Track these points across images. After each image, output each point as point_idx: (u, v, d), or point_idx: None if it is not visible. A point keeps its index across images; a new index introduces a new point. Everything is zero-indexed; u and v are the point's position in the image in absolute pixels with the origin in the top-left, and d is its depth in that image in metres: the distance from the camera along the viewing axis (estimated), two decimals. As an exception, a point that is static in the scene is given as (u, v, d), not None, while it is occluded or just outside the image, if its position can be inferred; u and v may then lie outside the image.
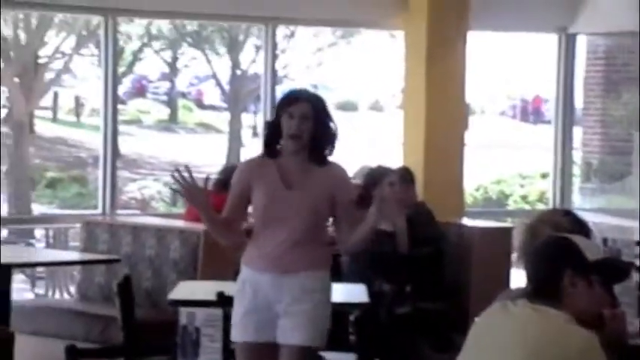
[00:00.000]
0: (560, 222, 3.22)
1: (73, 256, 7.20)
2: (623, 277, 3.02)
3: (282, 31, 18.27)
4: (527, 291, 2.97)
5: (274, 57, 7.95)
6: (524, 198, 12.40)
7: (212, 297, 4.93)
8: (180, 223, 6.77)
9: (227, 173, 6.99)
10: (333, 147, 4.25)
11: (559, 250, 2.97)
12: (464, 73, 7.90)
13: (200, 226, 6.46)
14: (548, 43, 8.76)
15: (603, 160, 10.36)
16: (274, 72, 7.99)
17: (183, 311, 3.53)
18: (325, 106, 4.26)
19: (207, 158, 19.04)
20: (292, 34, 19.24)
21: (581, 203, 10.95)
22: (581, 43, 10.18)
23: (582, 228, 3.21)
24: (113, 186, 7.48)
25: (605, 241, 5.76)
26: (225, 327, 4.86)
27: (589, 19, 8.12)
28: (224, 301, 4.96)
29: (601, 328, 2.90)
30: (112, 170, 7.43)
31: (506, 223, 8.39)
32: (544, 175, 12.15)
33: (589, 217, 9.79)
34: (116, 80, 7.65)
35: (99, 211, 7.48)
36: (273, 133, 4.19)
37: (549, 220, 3.24)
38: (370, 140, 21.24)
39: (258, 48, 17.45)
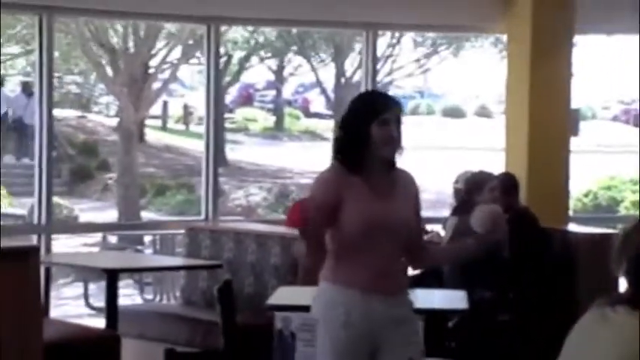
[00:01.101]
0: None
1: (176, 261, 7.32)
2: None
3: (386, 39, 18.27)
4: (628, 297, 2.89)
5: (375, 63, 7.93)
6: (635, 204, 12.07)
7: (310, 302, 4.95)
8: (281, 229, 6.82)
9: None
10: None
11: (663, 256, 2.88)
12: (569, 78, 7.74)
13: (300, 232, 6.50)
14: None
15: None
16: (374, 78, 7.98)
17: (279, 316, 3.51)
18: None
19: (312, 166, 19.17)
20: (398, 41, 19.21)
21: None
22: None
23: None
24: (216, 192, 7.59)
25: None
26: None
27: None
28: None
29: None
30: (214, 177, 7.53)
31: (614, 230, 8.19)
32: (656, 182, 11.85)
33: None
34: (219, 88, 7.75)
35: (202, 217, 7.59)
36: (358, 143, 3.77)
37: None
38: (477, 146, 21.05)
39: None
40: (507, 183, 6.88)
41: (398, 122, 3.81)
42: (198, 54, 16.68)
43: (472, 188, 6.53)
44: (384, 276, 3.77)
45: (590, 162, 19.90)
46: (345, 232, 3.75)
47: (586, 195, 13.45)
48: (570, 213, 12.07)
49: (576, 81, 7.85)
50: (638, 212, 11.18)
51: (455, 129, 25.36)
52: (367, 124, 3.76)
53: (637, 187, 12.27)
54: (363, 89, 7.98)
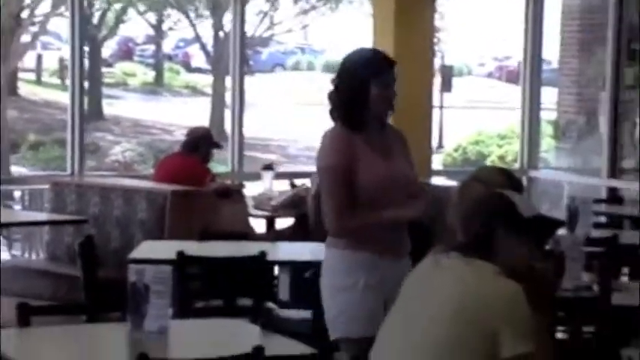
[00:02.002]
0: (493, 180, 3.26)
1: (40, 217, 7.25)
2: (553, 233, 3.10)
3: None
4: (461, 245, 3.04)
5: (242, 19, 7.93)
6: (501, 158, 12.49)
7: (173, 256, 5.00)
8: (148, 184, 6.82)
9: (195, 134, 7.05)
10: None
11: (494, 206, 3.03)
12: (432, 35, 7.92)
13: (168, 187, 6.53)
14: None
15: (577, 120, 10.42)
16: (243, 34, 8.00)
17: (133, 268, 3.58)
18: None
19: (192, 121, 19.09)
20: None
21: (556, 162, 11.02)
22: (556, 4, 10.20)
23: (516, 186, 3.25)
24: (82, 147, 7.52)
25: (572, 199, 5.88)
26: (183, 284, 4.95)
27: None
28: (183, 261, 5.04)
29: (530, 281, 2.97)
30: (80, 131, 7.46)
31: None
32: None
33: (562, 177, 9.87)
34: (84, 40, 7.66)
35: (68, 172, 7.53)
36: (360, 103, 3.72)
37: (482, 178, 3.28)
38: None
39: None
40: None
41: (394, 82, 3.80)
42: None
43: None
44: (393, 237, 3.75)
45: (464, 117, 20.39)
46: (358, 195, 3.68)
47: (456, 150, 13.80)
48: (441, 167, 12.39)
49: (452, 38, 8.02)
50: (504, 166, 11.53)
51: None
52: (367, 85, 3.71)
53: (503, 141, 12.67)
54: (232, 44, 7.99)
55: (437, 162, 13.42)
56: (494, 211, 3.03)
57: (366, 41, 8.03)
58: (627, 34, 7.60)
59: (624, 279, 5.88)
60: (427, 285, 3.03)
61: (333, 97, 3.78)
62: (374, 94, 3.72)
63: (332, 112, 3.79)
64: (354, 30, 22.71)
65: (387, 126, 3.88)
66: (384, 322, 3.07)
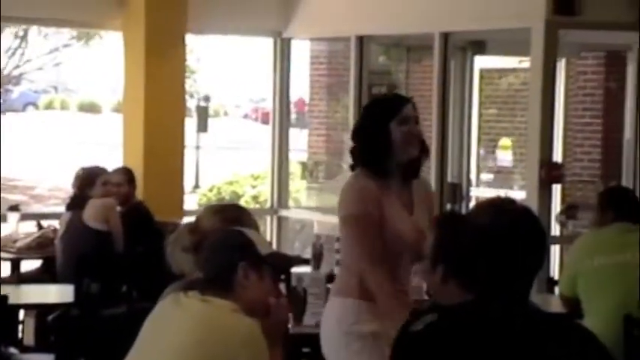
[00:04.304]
0: (210, 222, 3.31)
1: None
2: (288, 270, 3.21)
3: (11, 30, 17.72)
4: (200, 282, 3.09)
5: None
6: (255, 198, 12.71)
7: None
8: None
9: None
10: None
11: (234, 244, 3.10)
12: (183, 76, 8.00)
13: None
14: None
15: (325, 160, 10.81)
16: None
17: None
18: None
19: None
20: (25, 34, 18.72)
21: (306, 202, 11.35)
22: (304, 48, 10.55)
23: (248, 224, 3.29)
24: None
25: (318, 237, 6.08)
26: None
27: (304, 24, 8.41)
28: None
29: (266, 317, 3.06)
30: None
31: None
32: (273, 177, 12.47)
33: (311, 215, 10.12)
34: None
35: None
36: (382, 146, 3.55)
37: (197, 222, 3.34)
38: (112, 142, 20.98)
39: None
40: (124, 177, 6.99)
41: (416, 119, 3.62)
42: None
43: (84, 183, 6.59)
44: (403, 290, 3.63)
45: (220, 157, 20.57)
46: (382, 250, 3.55)
47: (210, 190, 13.93)
48: (196, 207, 12.45)
49: (209, 80, 8.10)
50: (256, 206, 11.75)
51: (90, 124, 25.09)
52: (385, 125, 3.57)
53: (257, 182, 12.90)
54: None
55: (192, 202, 13.45)
56: (235, 248, 3.10)
57: (119, 80, 7.98)
58: (368, 80, 7.98)
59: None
60: (165, 324, 3.05)
61: (354, 149, 3.67)
62: (395, 134, 3.57)
63: (354, 166, 3.65)
64: (107, 69, 22.48)
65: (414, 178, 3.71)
66: (123, 363, 3.07)
